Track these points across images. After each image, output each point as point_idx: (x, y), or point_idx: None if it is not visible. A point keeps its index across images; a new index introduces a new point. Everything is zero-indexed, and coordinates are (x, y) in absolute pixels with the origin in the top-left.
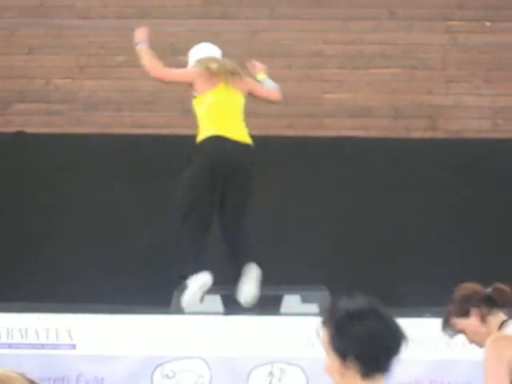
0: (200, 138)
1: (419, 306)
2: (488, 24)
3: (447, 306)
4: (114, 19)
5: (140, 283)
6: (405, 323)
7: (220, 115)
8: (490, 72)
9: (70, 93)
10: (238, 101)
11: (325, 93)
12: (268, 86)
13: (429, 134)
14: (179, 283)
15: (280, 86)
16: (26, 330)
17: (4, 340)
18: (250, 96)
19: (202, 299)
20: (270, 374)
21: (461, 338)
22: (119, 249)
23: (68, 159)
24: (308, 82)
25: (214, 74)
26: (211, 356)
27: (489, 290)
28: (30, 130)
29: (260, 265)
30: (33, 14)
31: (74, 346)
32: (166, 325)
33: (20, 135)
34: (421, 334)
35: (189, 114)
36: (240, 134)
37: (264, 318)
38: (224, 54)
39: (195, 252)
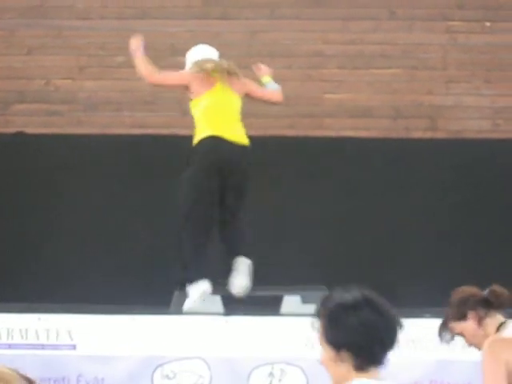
0: (196, 139)
1: (419, 307)
2: (488, 24)
3: (446, 308)
4: (113, 20)
5: (140, 283)
6: (405, 323)
7: (216, 116)
8: (490, 72)
9: (69, 93)
10: (234, 101)
11: (325, 93)
12: (272, 88)
13: (429, 135)
14: (179, 290)
15: (280, 87)
16: (27, 330)
17: (4, 340)
18: (248, 98)
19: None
20: (270, 374)
21: (460, 339)
22: (119, 249)
23: (68, 159)
24: (308, 82)
25: (210, 74)
26: (211, 356)
27: (485, 292)
28: (30, 130)
29: (248, 256)
30: (33, 14)
31: (74, 347)
32: (166, 325)
33: (20, 136)
34: (421, 334)
35: (188, 114)
36: (237, 134)
37: (264, 318)
38: (224, 55)
39: (196, 257)
